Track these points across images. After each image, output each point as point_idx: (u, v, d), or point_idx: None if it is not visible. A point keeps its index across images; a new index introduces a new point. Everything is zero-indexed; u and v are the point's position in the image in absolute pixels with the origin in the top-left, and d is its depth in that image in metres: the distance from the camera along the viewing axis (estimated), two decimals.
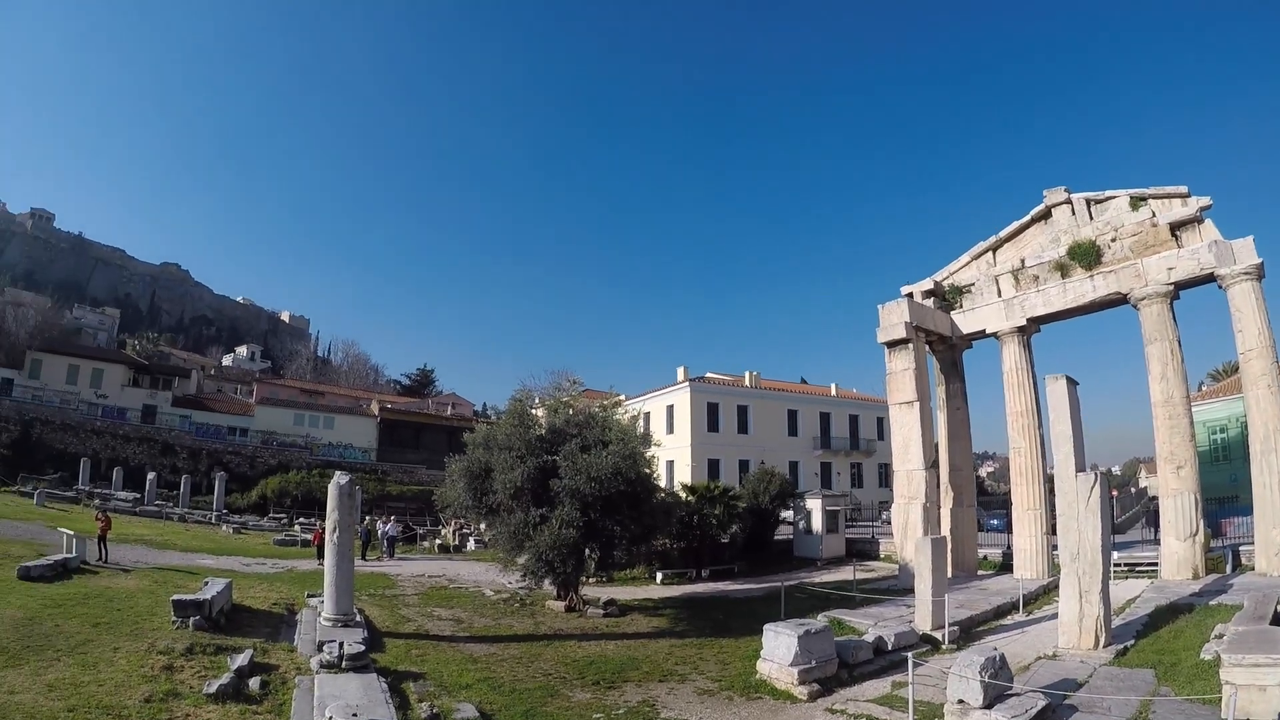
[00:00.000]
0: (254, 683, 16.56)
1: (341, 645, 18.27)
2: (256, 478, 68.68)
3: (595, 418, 29.95)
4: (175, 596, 21.77)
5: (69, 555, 28.68)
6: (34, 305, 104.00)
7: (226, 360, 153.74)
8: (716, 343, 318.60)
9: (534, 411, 31.13)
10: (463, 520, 51.89)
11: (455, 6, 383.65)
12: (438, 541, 50.97)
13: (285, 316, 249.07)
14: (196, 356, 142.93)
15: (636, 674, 19.86)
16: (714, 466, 63.38)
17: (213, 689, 15.67)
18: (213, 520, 54.61)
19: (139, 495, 57.21)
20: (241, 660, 17.55)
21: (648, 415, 59.90)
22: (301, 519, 57.17)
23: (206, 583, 24.11)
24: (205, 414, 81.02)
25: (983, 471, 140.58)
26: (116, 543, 32.59)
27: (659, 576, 35.51)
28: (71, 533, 31.08)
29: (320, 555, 34.82)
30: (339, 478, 23.21)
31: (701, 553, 37.77)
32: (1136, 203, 31.47)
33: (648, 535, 29.81)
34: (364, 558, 39.13)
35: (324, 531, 37.51)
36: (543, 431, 29.28)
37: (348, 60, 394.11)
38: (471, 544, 48.39)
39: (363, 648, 18.59)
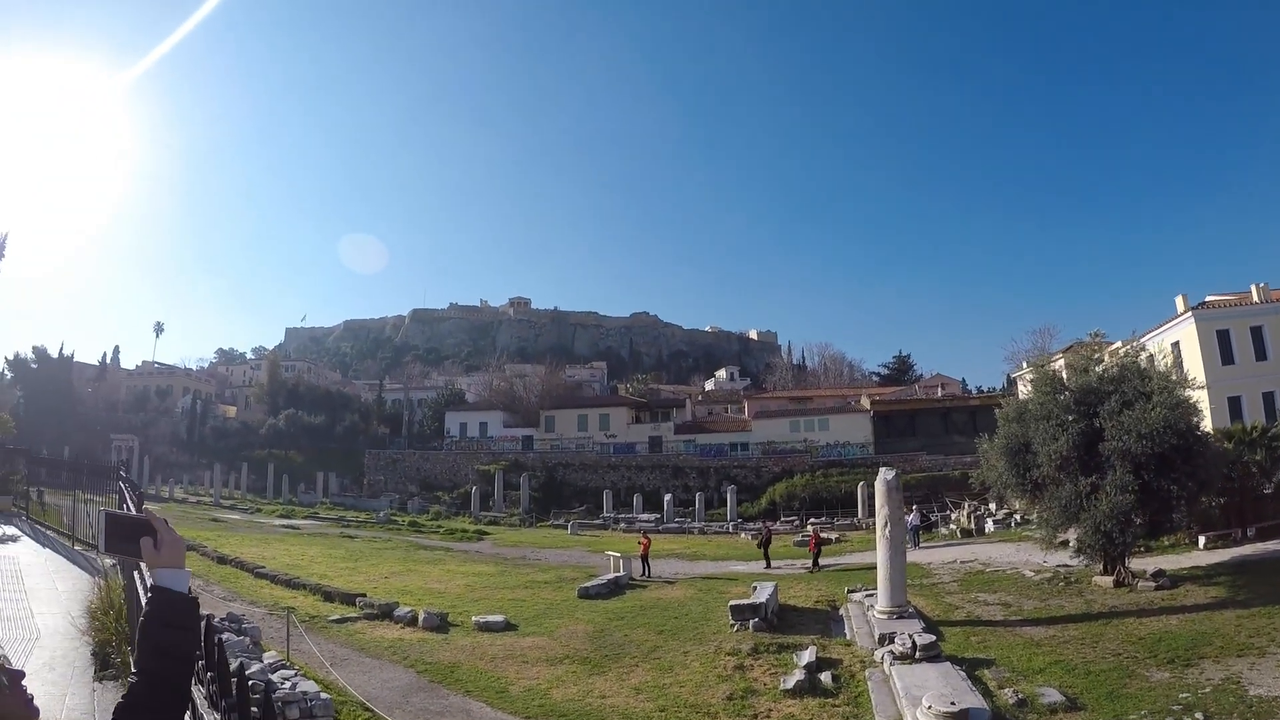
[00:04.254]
0: (825, 677, 16.80)
1: (912, 637, 18.11)
2: (763, 486, 70.73)
3: (1130, 368, 27.32)
4: (732, 602, 22.93)
5: (618, 574, 31.19)
6: (533, 374, 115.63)
7: (709, 385, 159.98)
8: (1203, 258, 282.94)
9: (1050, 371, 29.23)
10: (976, 503, 50.28)
11: None
12: (951, 526, 49.74)
13: (753, 334, 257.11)
14: (682, 388, 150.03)
15: (1210, 650, 18.08)
16: (1234, 405, 54.29)
17: (789, 685, 16.10)
18: (730, 530, 56.86)
19: (659, 515, 61.28)
20: (808, 657, 17.92)
21: (1151, 358, 53.44)
22: (812, 520, 57.63)
23: (755, 587, 25.03)
24: (706, 435, 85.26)
25: None
26: (652, 558, 34.57)
27: (1201, 541, 31.36)
28: (618, 554, 33.68)
29: (815, 562, 35.23)
30: (884, 474, 23.21)
31: (1244, 508, 32.64)
32: None
33: (1202, 492, 26.73)
34: None
35: (818, 537, 37.78)
36: (1074, 393, 27.28)
37: (750, 85, 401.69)
38: (990, 526, 46.58)
39: (933, 638, 18.33)
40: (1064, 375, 28.69)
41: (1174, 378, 27.04)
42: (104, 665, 9.52)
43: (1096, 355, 28.72)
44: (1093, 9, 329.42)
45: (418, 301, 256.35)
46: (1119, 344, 30.76)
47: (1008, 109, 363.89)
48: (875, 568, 31.96)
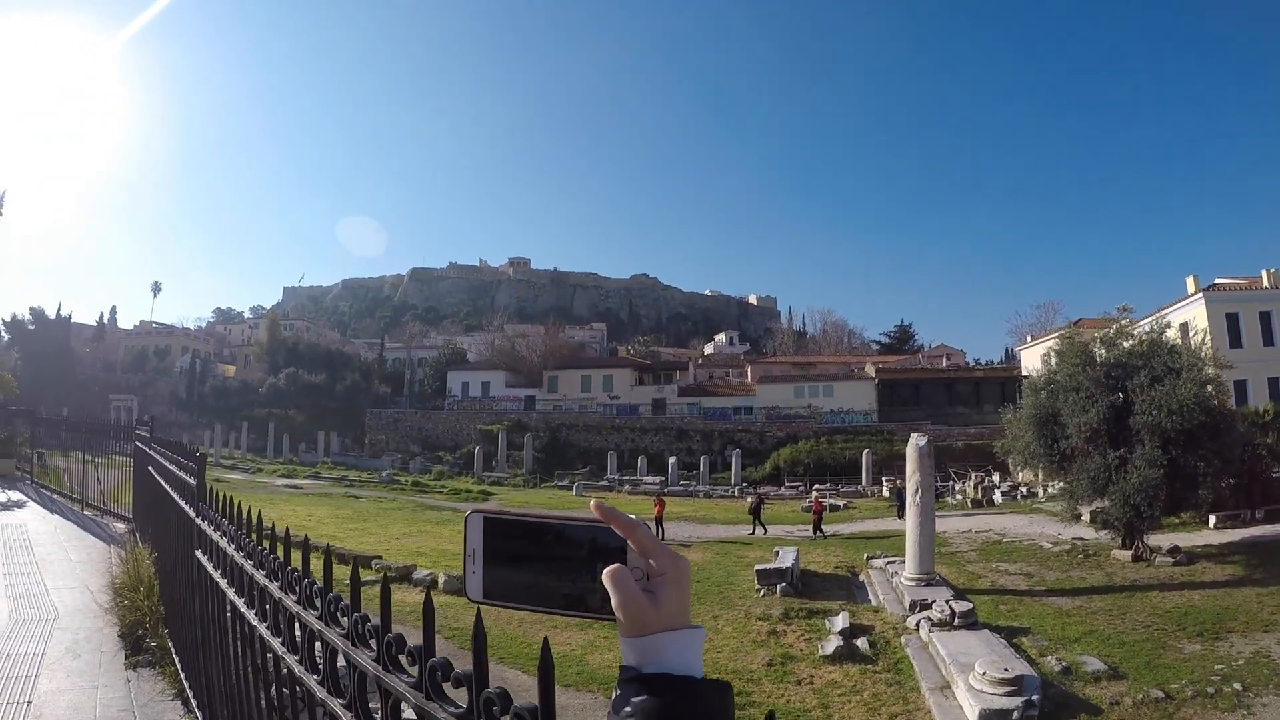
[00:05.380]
0: (861, 643, 16.78)
1: (950, 604, 18.13)
2: (767, 451, 71.03)
3: (1160, 344, 27.28)
4: (758, 566, 22.82)
5: None
6: (534, 334, 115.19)
7: (708, 349, 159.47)
8: (1209, 240, 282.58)
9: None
10: (981, 474, 50.34)
11: None
12: (959, 496, 49.72)
13: (753, 299, 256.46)
14: (682, 350, 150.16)
15: (1236, 624, 18.42)
16: (1240, 389, 53.96)
17: (829, 650, 16.08)
18: (735, 494, 56.57)
19: (663, 478, 61.27)
20: (841, 623, 17.88)
21: (1170, 334, 53.22)
22: (817, 486, 57.39)
23: (777, 552, 24.98)
24: (710, 399, 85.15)
25: None
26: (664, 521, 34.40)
27: (1211, 520, 31.69)
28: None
29: (816, 529, 34.90)
30: (916, 439, 23.00)
31: (1253, 490, 33.01)
32: None
33: (1226, 471, 26.77)
34: (900, 516, 38.59)
35: (822, 504, 37.43)
36: (1104, 366, 27.15)
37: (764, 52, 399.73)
38: (998, 496, 46.70)
39: (970, 605, 18.33)
40: (1093, 348, 28.50)
41: (1204, 355, 27.02)
42: (135, 649, 8.36)
43: (1126, 329, 28.51)
44: None
45: (417, 261, 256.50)
46: (1125, 320, 30.43)
47: (1017, 86, 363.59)
48: (883, 535, 32.48)
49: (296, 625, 2.93)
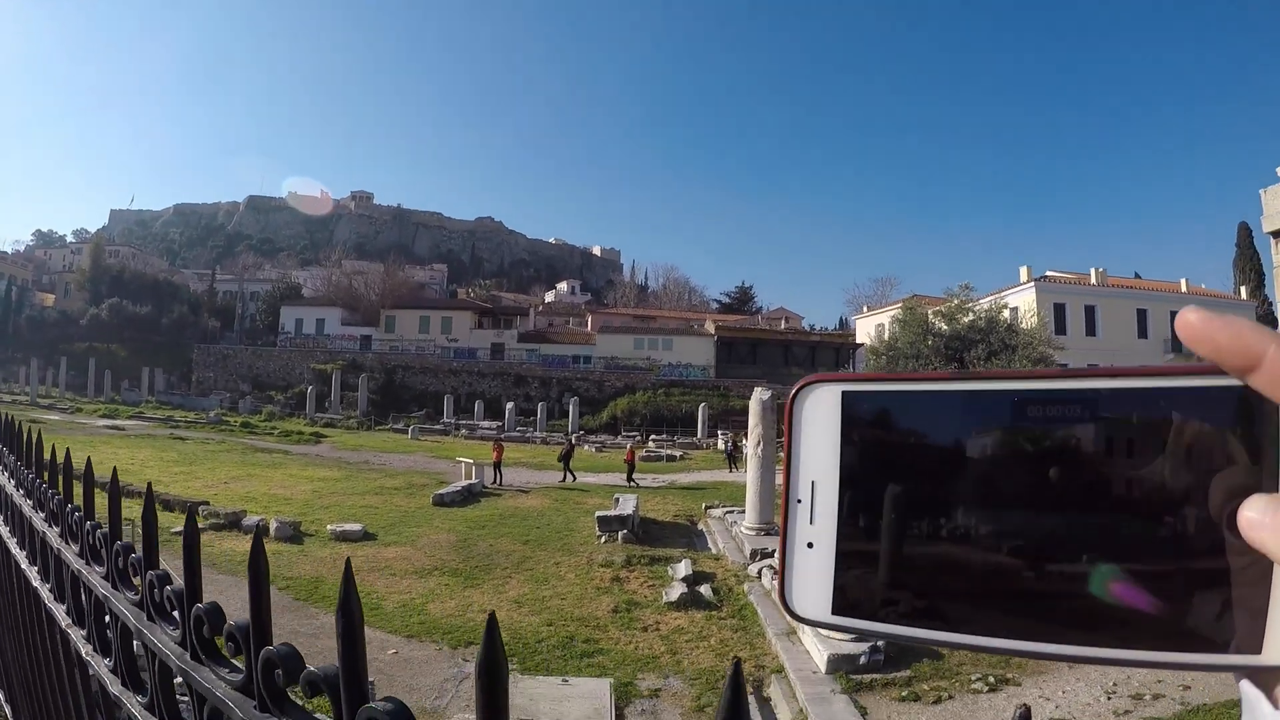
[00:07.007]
0: (705, 590, 16.97)
1: None
2: (605, 400, 71.56)
3: (998, 322, 28.61)
4: (599, 513, 22.98)
5: (471, 481, 30.65)
6: (373, 272, 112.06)
7: (549, 296, 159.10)
8: (1043, 239, 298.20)
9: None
10: None
11: None
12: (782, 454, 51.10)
13: (596, 250, 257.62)
14: (523, 297, 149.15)
15: None
16: None
17: (673, 597, 16.26)
18: (573, 441, 56.40)
19: (500, 423, 60.83)
20: (683, 570, 18.11)
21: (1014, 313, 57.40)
22: (653, 437, 58.82)
23: (617, 499, 25.13)
24: (549, 346, 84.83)
25: None
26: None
27: None
28: (470, 460, 33.10)
29: (629, 476, 34.98)
30: (759, 393, 23.23)
31: None
32: None
33: None
34: (733, 469, 39.34)
35: (634, 454, 38.07)
36: (943, 338, 28.34)
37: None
38: None
39: None
40: (934, 320, 29.58)
41: (1044, 335, 28.39)
42: None
43: (966, 305, 29.66)
44: None
45: (254, 188, 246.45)
46: (965, 298, 31.95)
47: (871, 63, 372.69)
48: (719, 486, 33.33)
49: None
